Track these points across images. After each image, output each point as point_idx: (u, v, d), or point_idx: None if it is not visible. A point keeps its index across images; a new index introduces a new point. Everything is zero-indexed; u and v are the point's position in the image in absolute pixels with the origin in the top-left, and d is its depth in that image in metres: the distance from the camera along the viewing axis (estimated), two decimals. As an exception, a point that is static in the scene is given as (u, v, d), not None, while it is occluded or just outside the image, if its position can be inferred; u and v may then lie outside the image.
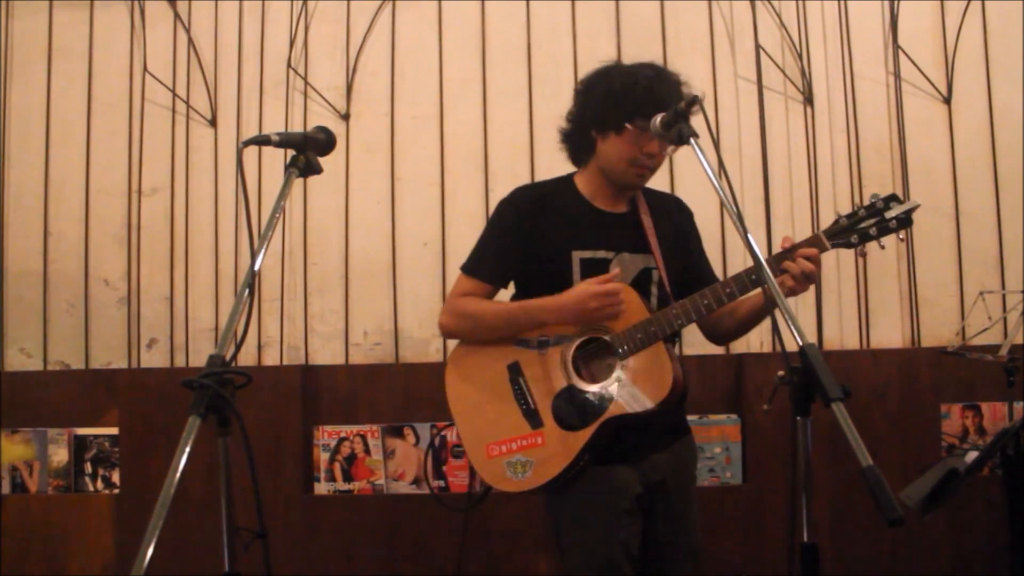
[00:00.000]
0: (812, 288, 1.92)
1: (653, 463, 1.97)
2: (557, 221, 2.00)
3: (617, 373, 1.89)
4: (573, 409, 1.90)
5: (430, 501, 3.01)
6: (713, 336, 2.14)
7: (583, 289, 1.88)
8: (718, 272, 2.30)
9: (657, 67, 1.97)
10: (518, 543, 2.94)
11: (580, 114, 2.01)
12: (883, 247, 1.85)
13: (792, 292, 1.82)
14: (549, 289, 1.94)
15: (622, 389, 1.87)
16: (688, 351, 2.74)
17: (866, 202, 1.84)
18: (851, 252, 1.90)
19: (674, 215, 2.11)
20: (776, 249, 1.92)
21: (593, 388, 1.91)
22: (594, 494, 1.92)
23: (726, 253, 3.08)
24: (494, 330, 2.00)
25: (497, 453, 1.95)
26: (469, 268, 2.06)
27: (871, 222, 1.82)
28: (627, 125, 1.90)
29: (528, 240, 1.99)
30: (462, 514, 2.91)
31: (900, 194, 1.83)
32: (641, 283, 1.99)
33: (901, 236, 1.83)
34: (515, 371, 1.97)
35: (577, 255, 1.97)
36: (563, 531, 1.97)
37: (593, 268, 1.96)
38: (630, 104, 1.89)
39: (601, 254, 1.98)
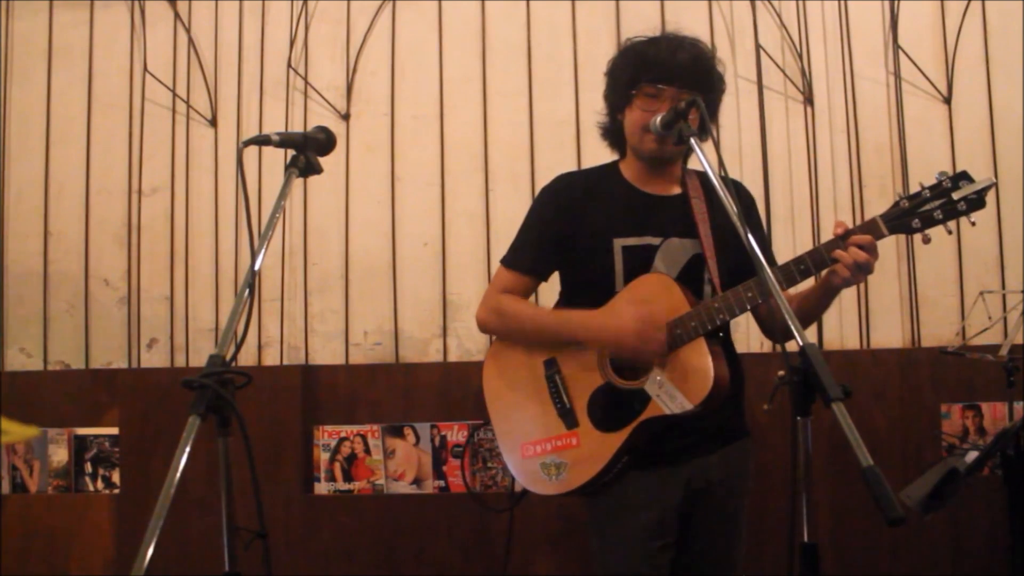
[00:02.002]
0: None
1: (698, 467, 1.86)
2: (597, 207, 1.91)
3: (655, 371, 1.76)
4: (609, 409, 1.81)
5: (430, 501, 3.03)
6: (769, 333, 2.02)
7: (627, 314, 1.77)
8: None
9: (657, 34, 1.92)
10: (518, 543, 2.94)
11: (606, 104, 1.99)
12: (950, 232, 1.66)
13: (846, 283, 1.69)
14: (591, 280, 1.88)
15: (660, 389, 1.75)
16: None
17: (929, 182, 1.65)
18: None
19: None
20: (779, 247, 1.86)
21: (630, 387, 1.80)
22: (627, 499, 1.83)
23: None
24: (529, 336, 1.92)
25: (532, 453, 1.87)
26: (508, 260, 1.97)
27: (936, 204, 1.62)
28: (632, 93, 1.86)
29: (568, 228, 1.91)
30: (468, 516, 2.93)
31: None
32: (692, 271, 1.87)
33: (973, 220, 1.62)
34: (552, 367, 1.89)
35: (619, 243, 1.87)
36: (593, 534, 1.90)
37: (637, 256, 1.86)
38: (627, 75, 1.87)
39: (646, 240, 1.87)
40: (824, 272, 1.73)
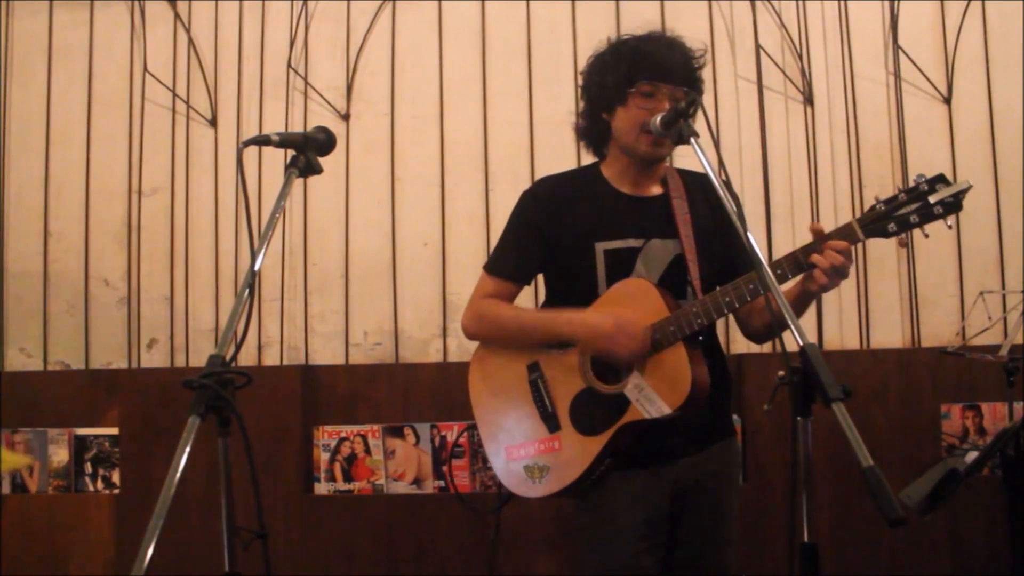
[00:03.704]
0: None
1: (683, 467, 1.86)
2: (579, 211, 1.89)
3: (634, 376, 1.77)
4: (590, 413, 1.81)
5: (430, 501, 3.03)
6: (748, 334, 2.01)
7: (609, 312, 1.78)
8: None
9: (648, 32, 1.90)
10: (518, 543, 2.94)
11: (587, 103, 1.95)
12: (927, 236, 1.65)
13: (823, 288, 1.68)
14: (575, 284, 1.88)
15: (639, 393, 1.75)
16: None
17: (908, 184, 1.64)
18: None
19: (713, 199, 1.86)
20: (779, 247, 1.86)
21: (610, 391, 1.80)
22: (613, 501, 1.84)
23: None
24: (512, 337, 1.92)
25: (516, 456, 1.88)
26: (490, 266, 1.97)
27: (912, 207, 1.62)
28: (629, 90, 1.84)
29: (549, 233, 1.90)
30: (475, 516, 2.92)
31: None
32: (675, 272, 1.86)
33: (949, 223, 1.63)
34: (534, 371, 1.89)
35: (600, 246, 1.86)
36: (580, 534, 1.90)
37: (619, 259, 1.85)
38: (622, 72, 1.84)
39: (629, 242, 1.86)
40: (799, 279, 1.73)
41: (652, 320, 1.77)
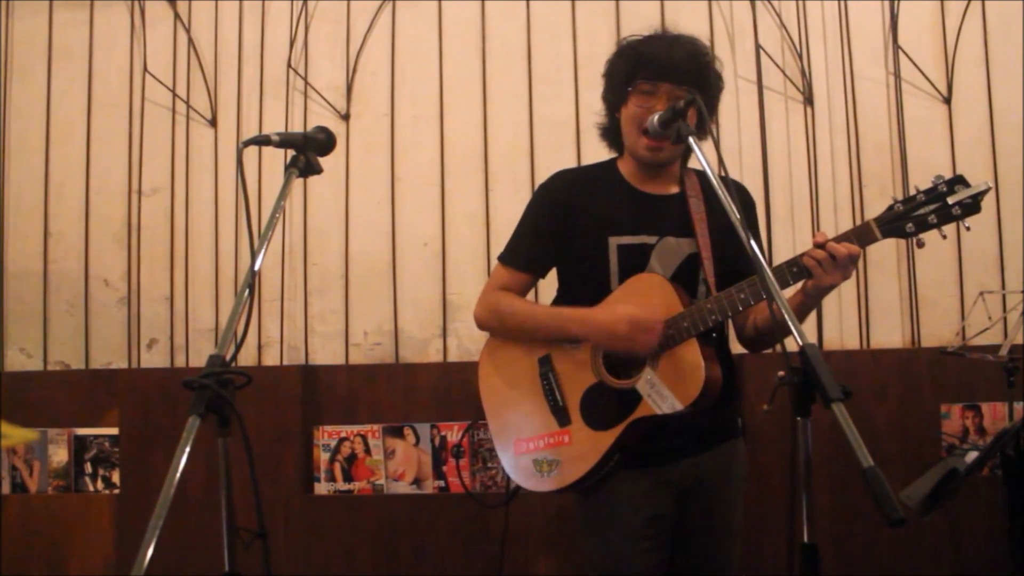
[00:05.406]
0: None
1: (688, 467, 1.85)
2: (594, 205, 1.90)
3: (647, 371, 1.76)
4: (601, 408, 1.81)
5: (430, 501, 3.03)
6: (742, 340, 1.99)
7: (621, 310, 1.77)
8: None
9: (653, 33, 1.91)
10: (518, 543, 2.94)
11: (604, 104, 1.97)
12: (944, 237, 1.65)
13: (828, 282, 1.67)
14: (587, 277, 1.88)
15: (651, 389, 1.75)
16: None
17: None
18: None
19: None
20: (779, 247, 1.85)
21: (621, 386, 1.80)
22: (617, 499, 1.83)
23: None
24: (525, 332, 1.91)
25: (525, 450, 1.88)
26: (505, 257, 1.97)
27: (931, 208, 1.62)
28: (628, 89, 1.85)
29: (563, 226, 1.90)
30: (468, 516, 2.93)
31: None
32: (688, 271, 1.87)
33: (967, 225, 1.63)
34: (546, 365, 1.89)
35: (614, 241, 1.86)
36: (584, 533, 1.90)
37: (632, 254, 1.85)
38: (623, 72, 1.86)
39: (642, 238, 1.86)
40: (799, 287, 1.73)
41: (667, 315, 1.77)
